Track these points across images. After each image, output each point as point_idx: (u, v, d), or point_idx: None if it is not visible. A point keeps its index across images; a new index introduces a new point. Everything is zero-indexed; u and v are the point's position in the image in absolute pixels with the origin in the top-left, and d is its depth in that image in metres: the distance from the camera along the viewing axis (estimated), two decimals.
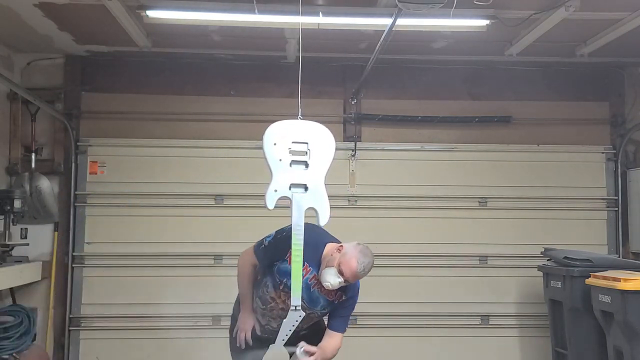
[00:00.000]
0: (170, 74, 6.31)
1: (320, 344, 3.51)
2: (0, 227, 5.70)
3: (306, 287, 3.40)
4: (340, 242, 3.48)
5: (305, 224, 3.31)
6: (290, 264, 3.30)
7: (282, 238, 3.39)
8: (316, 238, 3.44)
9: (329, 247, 3.44)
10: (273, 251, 3.46)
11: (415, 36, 5.33)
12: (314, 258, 3.39)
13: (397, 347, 6.21)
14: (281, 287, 3.44)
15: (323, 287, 3.39)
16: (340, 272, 3.30)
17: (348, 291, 3.50)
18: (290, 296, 3.24)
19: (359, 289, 3.60)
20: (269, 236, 3.54)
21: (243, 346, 3.60)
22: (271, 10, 4.67)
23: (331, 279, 3.31)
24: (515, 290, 6.36)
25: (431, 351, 6.24)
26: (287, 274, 3.31)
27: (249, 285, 3.61)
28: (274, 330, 3.49)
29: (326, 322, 3.66)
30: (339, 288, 3.40)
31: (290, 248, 3.22)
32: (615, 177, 6.49)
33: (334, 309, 3.55)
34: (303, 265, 3.24)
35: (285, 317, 3.34)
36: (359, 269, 3.31)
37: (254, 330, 3.63)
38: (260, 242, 3.56)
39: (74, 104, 6.20)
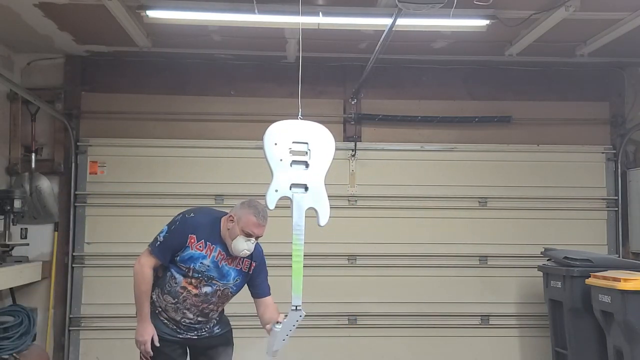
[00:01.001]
0: (170, 74, 6.32)
1: (264, 314, 3.62)
2: (0, 227, 5.70)
3: (215, 265, 3.52)
4: (226, 213, 3.61)
5: (193, 208, 3.66)
6: (193, 248, 3.48)
7: (176, 228, 3.53)
8: (210, 216, 3.61)
9: (223, 221, 3.56)
10: (171, 243, 3.52)
11: (415, 36, 5.33)
12: (213, 235, 3.52)
13: (396, 346, 6.21)
14: (190, 274, 3.50)
15: (231, 260, 3.55)
16: (248, 235, 3.45)
17: (254, 257, 3.64)
18: (201, 280, 3.49)
19: (261, 250, 3.73)
20: (161, 232, 3.59)
21: (152, 354, 3.54)
22: (271, 10, 4.67)
23: (245, 246, 3.46)
24: (515, 290, 6.36)
25: (431, 351, 6.24)
26: (193, 259, 3.48)
27: (148, 290, 3.55)
28: (190, 322, 3.60)
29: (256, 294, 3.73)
30: (250, 255, 3.58)
31: (190, 233, 3.46)
32: (615, 177, 6.49)
33: (251, 278, 3.67)
34: (205, 246, 3.48)
35: (199, 304, 3.54)
36: (260, 219, 3.46)
37: (168, 335, 3.60)
38: (155, 240, 3.58)
39: (74, 104, 6.21)
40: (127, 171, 6.18)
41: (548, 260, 5.73)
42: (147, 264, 3.55)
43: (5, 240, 5.71)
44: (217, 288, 3.55)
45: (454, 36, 5.53)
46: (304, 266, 3.15)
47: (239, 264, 3.60)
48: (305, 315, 3.28)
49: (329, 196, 3.11)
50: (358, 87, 6.20)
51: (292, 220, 3.07)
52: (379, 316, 6.23)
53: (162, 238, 3.54)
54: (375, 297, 6.22)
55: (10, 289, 5.72)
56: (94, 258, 6.12)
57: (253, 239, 3.48)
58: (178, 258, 3.50)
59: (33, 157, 6.03)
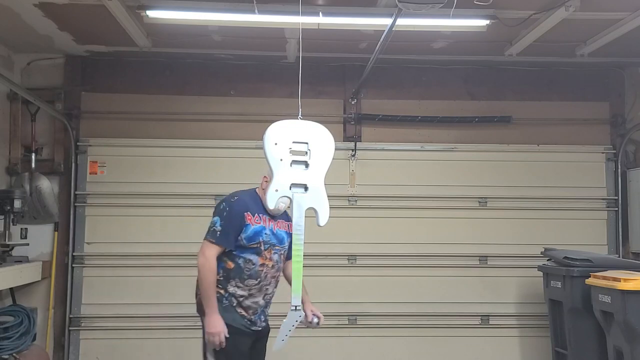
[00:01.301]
0: (170, 74, 6.32)
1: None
2: (0, 227, 5.70)
3: (272, 232, 3.68)
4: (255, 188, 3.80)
5: (229, 194, 3.72)
6: (253, 224, 3.58)
7: (230, 213, 3.61)
8: (248, 192, 3.75)
9: (258, 190, 3.75)
10: (232, 227, 3.58)
11: (415, 36, 5.33)
12: (259, 207, 3.66)
13: (396, 347, 6.21)
14: (262, 248, 3.63)
15: (280, 225, 3.74)
16: None
17: (288, 216, 3.78)
18: (270, 250, 3.64)
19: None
20: (214, 223, 3.63)
21: (224, 344, 3.54)
22: (271, 10, 4.67)
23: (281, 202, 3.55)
24: (515, 290, 6.36)
25: (431, 351, 6.24)
26: (258, 233, 3.62)
27: (215, 281, 3.60)
28: (268, 298, 3.73)
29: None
30: (286, 217, 3.77)
31: (244, 212, 3.56)
32: (615, 177, 6.49)
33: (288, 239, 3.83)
34: (260, 218, 3.65)
35: (275, 274, 3.73)
36: None
37: (244, 327, 3.63)
38: (213, 232, 3.61)
39: (74, 104, 6.20)
40: (127, 171, 6.17)
41: (548, 260, 5.73)
42: (212, 255, 3.59)
43: (5, 240, 5.71)
44: (280, 253, 3.74)
45: (454, 36, 5.53)
46: (303, 266, 3.15)
47: (285, 226, 3.77)
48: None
49: (329, 196, 3.11)
50: (358, 87, 6.20)
51: (292, 220, 3.07)
52: (379, 316, 6.22)
53: (220, 227, 3.59)
54: (375, 297, 6.21)
55: (10, 289, 5.72)
56: (94, 258, 6.12)
57: None
58: (245, 240, 3.57)
59: (33, 157, 6.03)
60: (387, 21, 4.53)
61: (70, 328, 6.04)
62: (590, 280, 5.03)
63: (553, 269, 5.55)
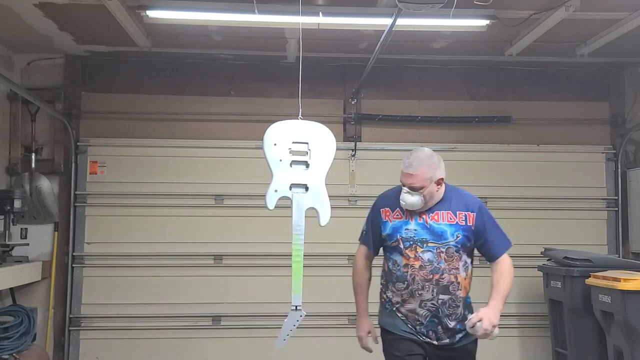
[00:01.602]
0: (170, 74, 6.32)
1: (496, 284, 3.38)
2: (0, 227, 5.70)
3: (423, 227, 3.33)
4: None
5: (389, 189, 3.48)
6: (391, 220, 3.39)
7: (371, 211, 3.55)
8: (395, 189, 3.49)
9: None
10: (372, 225, 3.50)
11: (415, 36, 5.33)
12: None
13: None
14: (402, 246, 3.35)
15: (439, 217, 3.36)
16: (403, 185, 3.35)
17: (469, 206, 3.42)
18: (416, 247, 3.30)
19: (479, 201, 3.54)
20: (365, 222, 3.61)
21: (371, 350, 3.50)
22: (271, 10, 4.67)
23: (401, 196, 3.35)
24: (515, 290, 6.32)
25: None
26: (397, 229, 3.38)
27: (360, 283, 3.54)
28: (432, 307, 3.32)
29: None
30: (457, 207, 3.38)
31: (381, 208, 3.41)
32: (615, 177, 6.48)
33: (476, 234, 3.39)
34: (403, 212, 3.36)
35: (429, 276, 3.29)
36: (404, 167, 3.35)
37: (408, 334, 3.41)
38: (361, 232, 3.61)
39: (74, 104, 6.20)
40: (127, 171, 6.17)
41: (548, 260, 5.73)
42: (359, 256, 3.57)
43: (5, 240, 5.71)
44: (439, 250, 3.30)
45: (454, 36, 5.53)
46: (304, 266, 3.15)
47: (452, 218, 3.35)
48: (306, 315, 3.28)
49: (329, 196, 3.11)
50: (358, 87, 6.20)
51: (292, 220, 3.07)
52: None
53: (365, 227, 3.57)
54: (376, 297, 6.19)
55: (10, 289, 5.72)
56: (94, 258, 6.12)
57: (406, 188, 3.32)
58: (387, 239, 3.41)
59: (33, 157, 6.03)
60: (387, 21, 4.53)
61: (70, 328, 6.04)
62: (590, 280, 5.03)
63: (553, 269, 5.55)
